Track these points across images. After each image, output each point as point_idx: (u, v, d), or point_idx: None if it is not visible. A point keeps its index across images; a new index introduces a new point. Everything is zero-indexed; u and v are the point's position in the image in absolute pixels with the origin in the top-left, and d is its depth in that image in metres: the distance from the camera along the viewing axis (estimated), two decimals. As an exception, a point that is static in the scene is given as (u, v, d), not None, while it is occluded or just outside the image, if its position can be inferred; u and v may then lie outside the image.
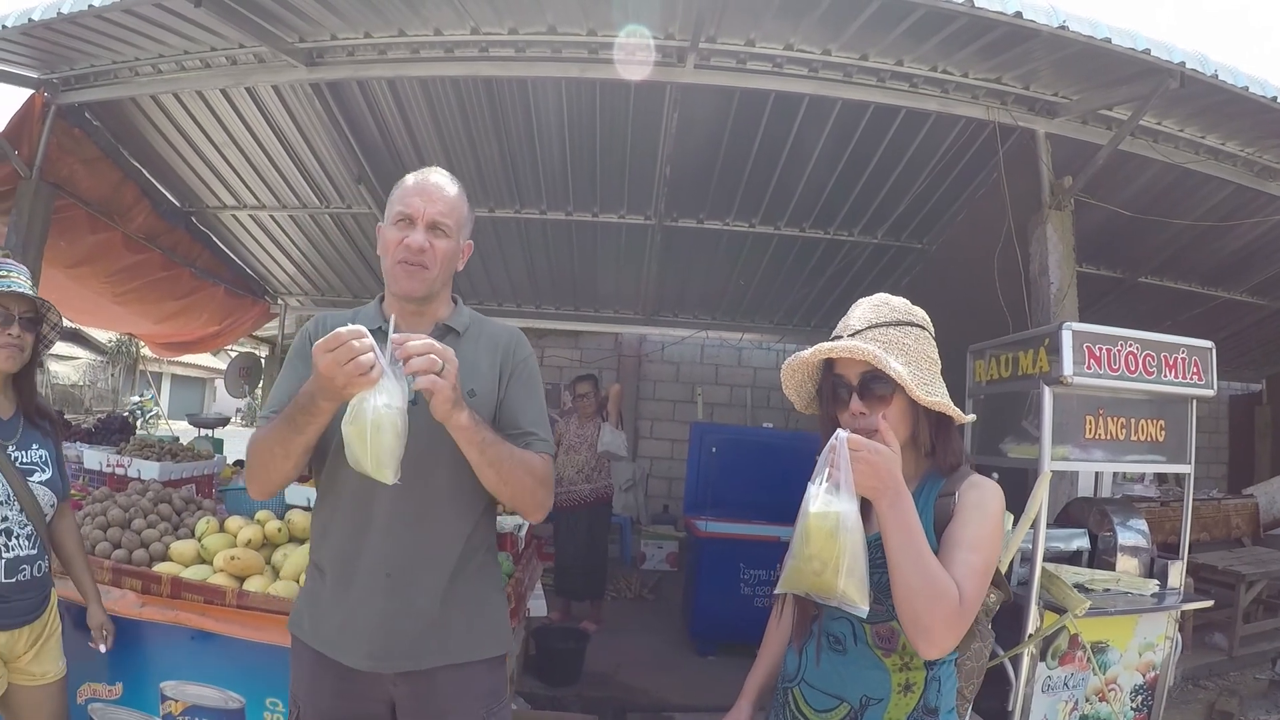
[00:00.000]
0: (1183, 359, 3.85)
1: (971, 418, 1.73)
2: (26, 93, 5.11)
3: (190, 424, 8.44)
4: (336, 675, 1.84)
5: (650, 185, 6.19)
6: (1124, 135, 4.65)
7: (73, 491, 3.41)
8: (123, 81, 5.13)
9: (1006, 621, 2.11)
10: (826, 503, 1.39)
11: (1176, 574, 4.09)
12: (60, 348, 18.39)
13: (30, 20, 4.10)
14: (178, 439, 5.54)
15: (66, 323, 3.20)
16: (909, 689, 1.57)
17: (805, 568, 1.42)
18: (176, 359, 21.49)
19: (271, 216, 7.23)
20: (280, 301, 9.25)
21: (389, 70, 4.77)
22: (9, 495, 2.36)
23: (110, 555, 2.89)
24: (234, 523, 3.06)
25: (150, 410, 20.33)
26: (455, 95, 5.19)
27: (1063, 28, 3.70)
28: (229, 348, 11.10)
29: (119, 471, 4.16)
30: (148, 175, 6.50)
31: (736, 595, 6.00)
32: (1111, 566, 4.06)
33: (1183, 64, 3.99)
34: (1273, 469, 10.05)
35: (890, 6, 3.84)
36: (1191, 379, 3.88)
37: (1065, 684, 3.73)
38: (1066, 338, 3.54)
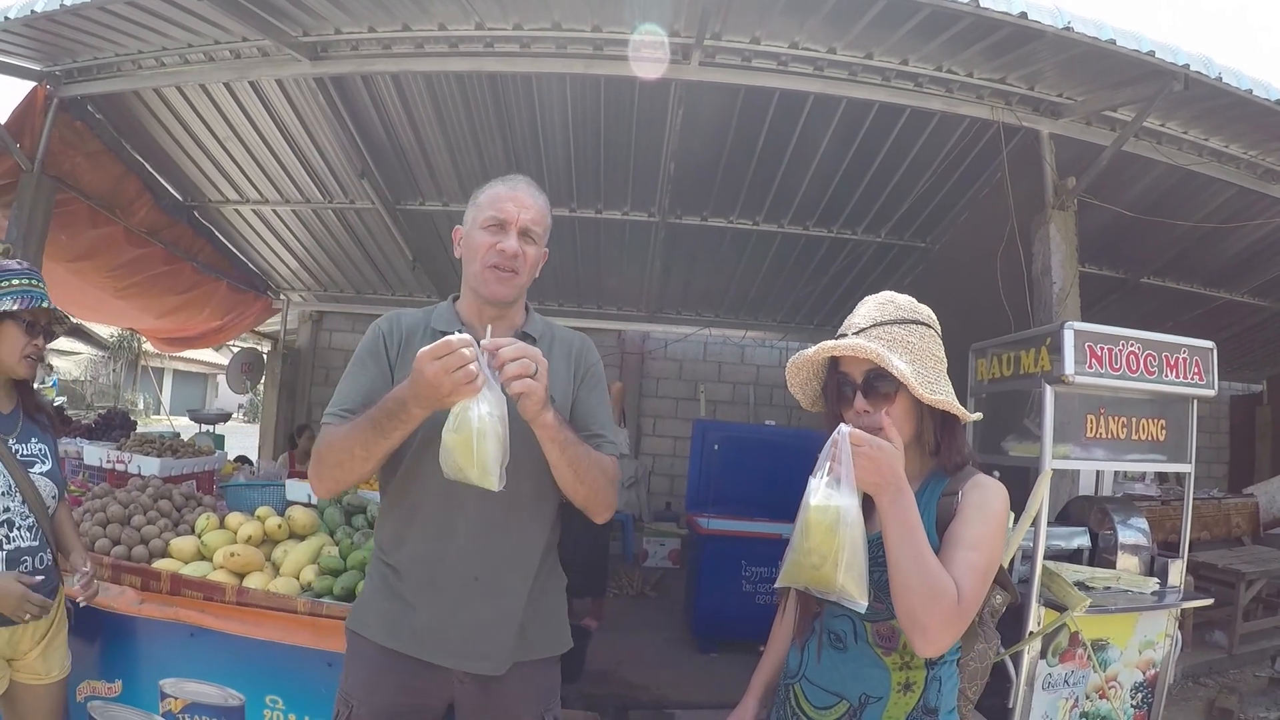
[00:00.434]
0: (1184, 359, 3.86)
1: (977, 416, 1.73)
2: (29, 85, 5.10)
3: (191, 420, 8.45)
4: (404, 671, 1.86)
5: (654, 182, 6.19)
6: (1128, 137, 4.65)
7: (72, 487, 3.42)
8: (125, 74, 5.13)
9: (1007, 619, 2.11)
10: (827, 496, 1.40)
11: (1177, 572, 4.09)
12: (62, 343, 18.42)
13: (33, 12, 4.10)
14: (178, 434, 5.54)
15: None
16: (909, 688, 1.57)
17: (805, 561, 1.42)
18: (178, 354, 21.51)
19: (274, 211, 7.22)
20: (283, 297, 9.25)
21: (393, 65, 4.77)
22: (10, 486, 2.37)
23: (110, 552, 2.87)
24: (234, 519, 3.04)
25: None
26: (460, 91, 5.19)
27: (1068, 29, 3.70)
28: (231, 343, 11.07)
29: (119, 468, 4.14)
30: (150, 169, 6.49)
31: (738, 593, 6.00)
32: (1112, 564, 4.07)
33: (1187, 66, 4.00)
34: (1273, 469, 10.04)
35: (896, 5, 3.84)
36: (1193, 379, 3.89)
37: (1066, 681, 3.74)
38: (1068, 337, 3.55)
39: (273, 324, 9.86)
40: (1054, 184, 4.87)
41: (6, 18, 4.18)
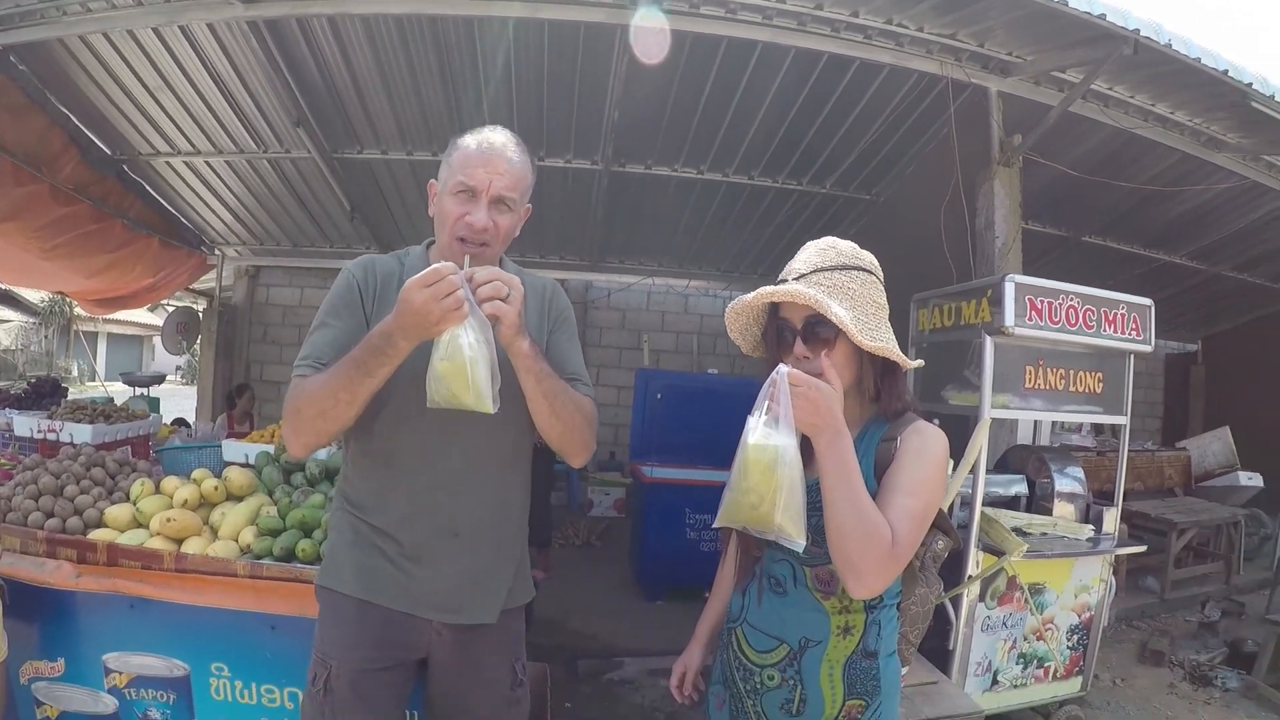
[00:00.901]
0: (1122, 315, 3.96)
1: (918, 363, 1.72)
2: (-58, 35, 4.81)
3: (125, 383, 8.22)
4: (384, 625, 1.82)
5: (598, 130, 6.11)
6: (1075, 98, 4.71)
7: (2, 460, 3.29)
8: (49, 21, 4.83)
9: (947, 564, 2.15)
10: (765, 435, 1.39)
11: (1111, 520, 4.24)
12: (-10, 310, 17.76)
13: (-55, -45, 3.87)
14: (112, 400, 5.38)
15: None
16: (848, 632, 1.58)
17: (743, 500, 1.41)
18: (111, 316, 20.83)
19: (207, 162, 6.98)
20: (218, 252, 9.00)
21: (329, 7, 4.60)
22: None
23: (44, 525, 2.75)
24: (170, 483, 2.93)
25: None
26: (399, 35, 5.03)
27: (1020, -13, 3.71)
28: (165, 302, 10.77)
29: (50, 437, 4.03)
30: (76, 122, 6.20)
31: (683, 540, 6.07)
32: (1049, 512, 4.19)
33: (1137, 31, 4.04)
34: (1205, 425, 10.41)
35: (847, -44, 3.81)
36: (1130, 334, 4.00)
37: (1004, 624, 3.86)
38: (1009, 289, 3.61)
39: (208, 281, 9.60)
40: (1000, 141, 4.92)
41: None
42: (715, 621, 1.92)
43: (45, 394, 5.69)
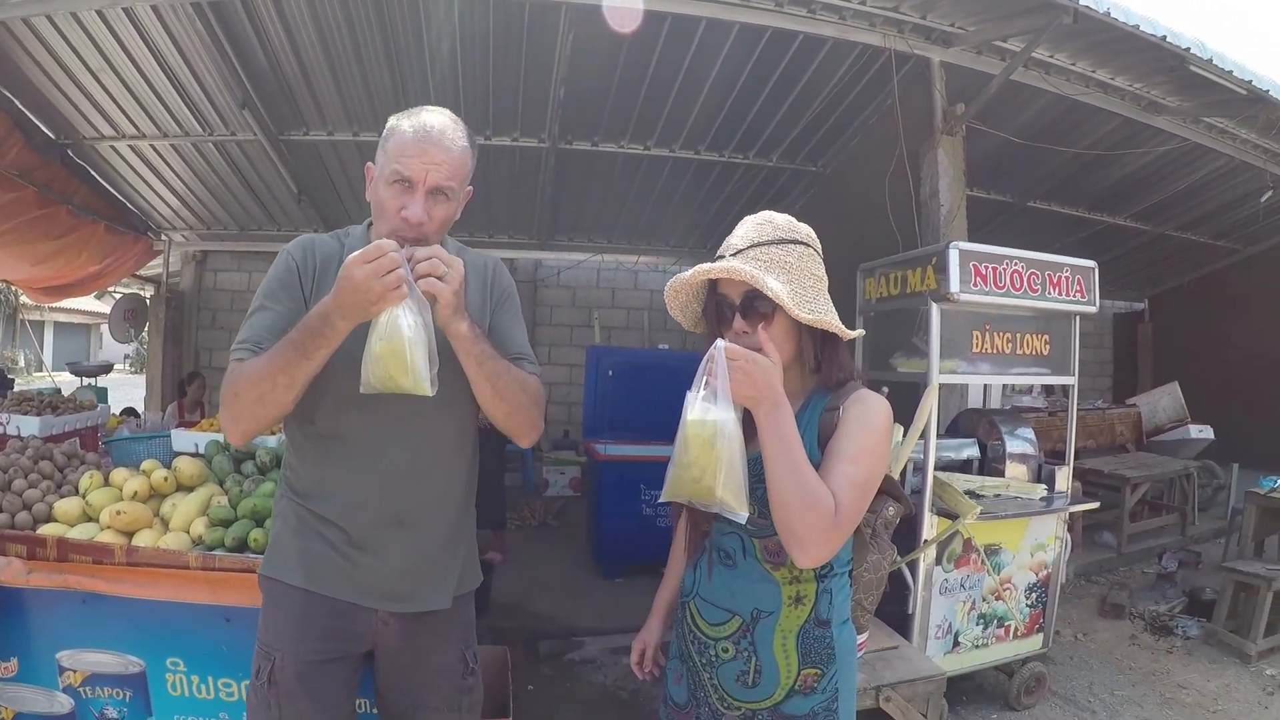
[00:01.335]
0: (1066, 278, 4.02)
1: (859, 333, 1.74)
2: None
3: (72, 373, 8.05)
4: (329, 615, 1.79)
5: (544, 107, 6.09)
6: (1016, 66, 4.78)
7: (-54, 457, 3.20)
8: (-11, 3, 4.70)
9: (902, 530, 2.19)
10: (704, 410, 1.40)
11: (1063, 478, 4.32)
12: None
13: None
14: (59, 390, 5.27)
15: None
16: (799, 601, 1.59)
17: (685, 475, 1.43)
18: (58, 305, 20.30)
19: (152, 146, 6.85)
20: (164, 237, 8.84)
21: (276, -14, 4.52)
22: None
23: None
24: (119, 475, 2.87)
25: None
26: (344, 13, 4.96)
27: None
28: (113, 290, 10.53)
29: (-4, 430, 3.95)
30: (20, 106, 6.03)
31: (639, 517, 6.05)
32: (1001, 473, 4.27)
33: (1077, 0, 4.08)
34: (1154, 381, 10.69)
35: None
36: (1075, 296, 4.06)
37: (962, 585, 3.93)
38: (953, 256, 3.65)
39: (155, 267, 9.38)
40: (943, 110, 4.98)
41: None
42: (671, 597, 1.93)
43: (-10, 386, 5.55)
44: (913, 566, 3.74)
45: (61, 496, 2.85)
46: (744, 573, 1.63)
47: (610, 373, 6.67)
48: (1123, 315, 12.44)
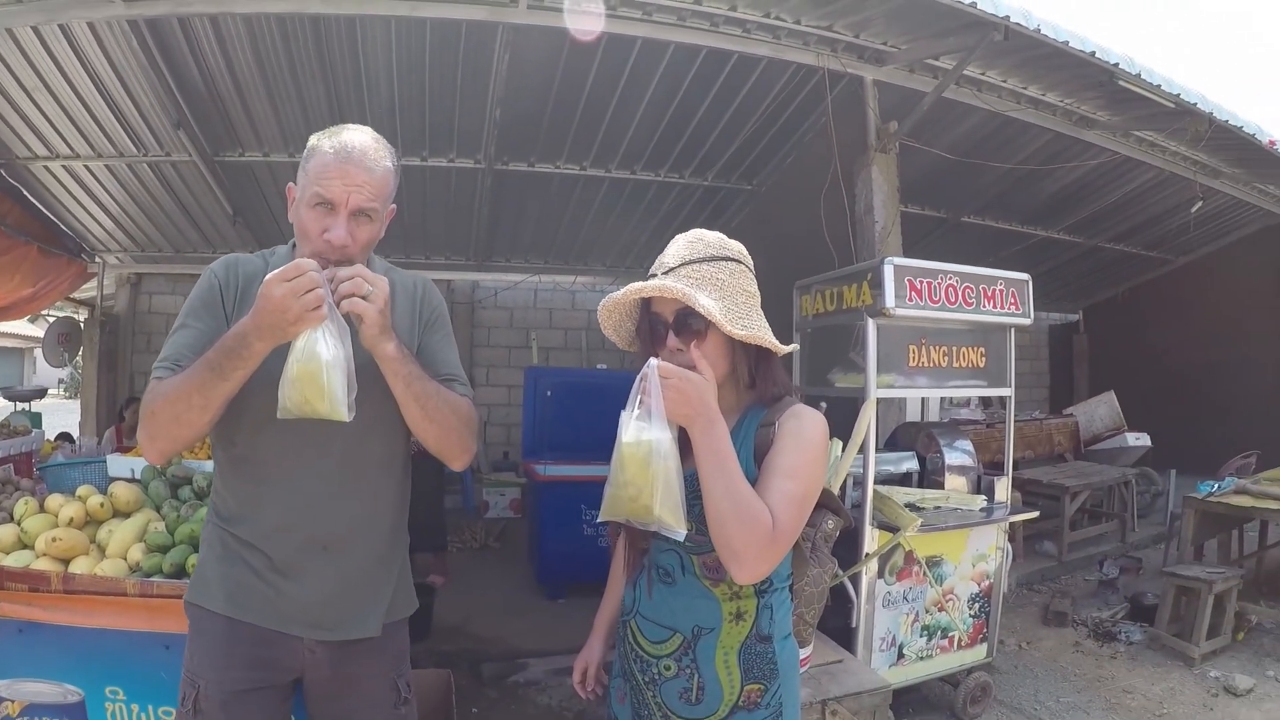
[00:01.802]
0: (1001, 291, 4.09)
1: (792, 348, 1.76)
2: None
3: (5, 398, 7.80)
4: (254, 644, 1.73)
5: (480, 128, 6.09)
6: (948, 84, 4.88)
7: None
8: (-79, 20, 4.56)
9: (844, 543, 2.20)
10: (639, 430, 1.40)
11: (1003, 489, 4.36)
12: None
13: None
14: (-8, 416, 5.11)
15: None
16: (740, 617, 1.59)
17: (622, 494, 1.42)
18: (-11, 328, 19.61)
19: (86, 166, 6.70)
20: (98, 260, 8.63)
21: (211, 6, 4.46)
22: None
23: None
24: (54, 501, 2.83)
25: None
26: (280, 34, 4.92)
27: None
28: (46, 313, 10.25)
29: (-71, 459, 3.81)
30: (-50, 125, 5.86)
31: (580, 537, 6.01)
32: (940, 486, 4.32)
33: (1007, 18, 4.21)
34: (1090, 390, 10.97)
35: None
36: (1010, 309, 4.13)
37: (905, 598, 3.95)
38: (888, 272, 3.69)
39: (89, 290, 9.17)
40: (876, 128, 5.07)
41: None
42: (612, 616, 1.92)
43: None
44: (855, 580, 3.74)
45: (-4, 523, 2.78)
46: (683, 590, 1.62)
47: (549, 393, 6.61)
48: (1058, 327, 12.76)
